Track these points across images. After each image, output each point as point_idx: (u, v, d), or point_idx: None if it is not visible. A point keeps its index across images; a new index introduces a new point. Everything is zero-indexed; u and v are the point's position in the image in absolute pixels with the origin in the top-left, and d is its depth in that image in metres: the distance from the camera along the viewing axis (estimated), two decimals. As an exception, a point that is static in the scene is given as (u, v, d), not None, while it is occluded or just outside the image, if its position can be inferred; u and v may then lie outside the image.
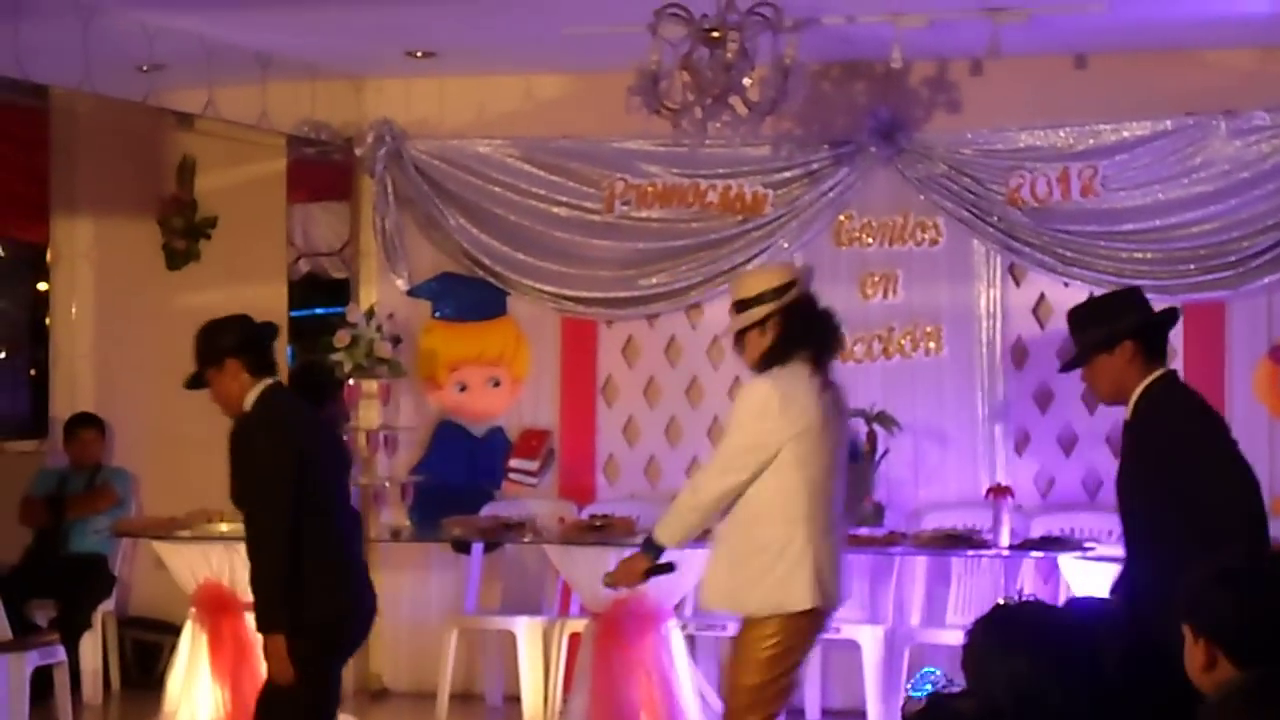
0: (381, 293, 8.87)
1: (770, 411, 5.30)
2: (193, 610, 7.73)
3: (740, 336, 5.46)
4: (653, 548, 5.53)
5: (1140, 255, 8.07)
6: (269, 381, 5.53)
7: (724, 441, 5.50)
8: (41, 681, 7.23)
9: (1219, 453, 4.67)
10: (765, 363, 5.41)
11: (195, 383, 5.65)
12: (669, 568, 5.61)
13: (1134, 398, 4.76)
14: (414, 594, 8.81)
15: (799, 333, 5.38)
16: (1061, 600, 7.06)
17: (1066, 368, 4.98)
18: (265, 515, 5.39)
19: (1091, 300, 5.07)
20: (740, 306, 5.48)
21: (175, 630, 7.94)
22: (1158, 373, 4.79)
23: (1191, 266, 8.02)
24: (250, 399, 5.50)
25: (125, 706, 8.55)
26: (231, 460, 5.53)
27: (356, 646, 5.80)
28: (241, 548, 7.62)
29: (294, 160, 9.01)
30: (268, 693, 5.49)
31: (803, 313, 5.42)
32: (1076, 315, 4.91)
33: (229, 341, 5.52)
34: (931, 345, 8.33)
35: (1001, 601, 3.03)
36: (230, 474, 5.53)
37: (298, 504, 5.36)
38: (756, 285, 5.46)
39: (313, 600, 5.37)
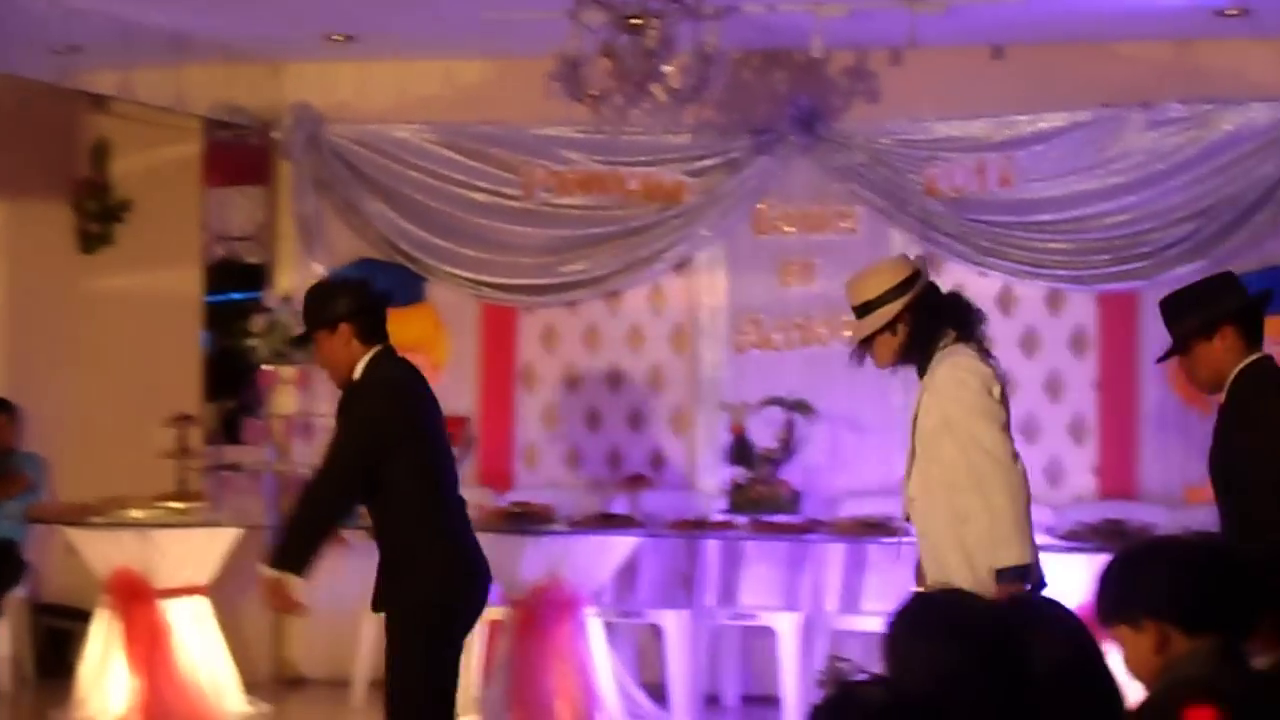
0: (299, 278, 8.79)
1: (973, 387, 4.98)
2: (106, 597, 7.67)
3: (865, 343, 5.12)
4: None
5: (1056, 245, 8.15)
6: (379, 348, 5.34)
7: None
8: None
9: None
10: (901, 361, 5.14)
11: (301, 341, 5.51)
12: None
13: (1229, 382, 4.70)
14: (331, 581, 8.69)
15: (933, 325, 5.03)
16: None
17: (1165, 357, 4.89)
18: (341, 473, 5.26)
19: (1185, 288, 4.94)
20: (862, 311, 5.11)
21: (89, 617, 7.86)
22: (1255, 356, 4.71)
23: (1106, 257, 8.10)
24: (361, 366, 5.30)
25: (39, 694, 8.45)
26: (337, 423, 5.37)
27: (470, 627, 5.49)
28: (155, 534, 7.63)
29: (210, 144, 8.92)
30: (393, 675, 5.29)
31: (931, 304, 5.07)
32: (1171, 304, 4.82)
33: (345, 305, 5.30)
34: (848, 334, 8.34)
35: (920, 588, 3.04)
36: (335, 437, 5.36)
37: (411, 477, 5.22)
38: (878, 285, 5.07)
39: (425, 578, 5.22)
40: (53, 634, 8.76)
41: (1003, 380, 5.13)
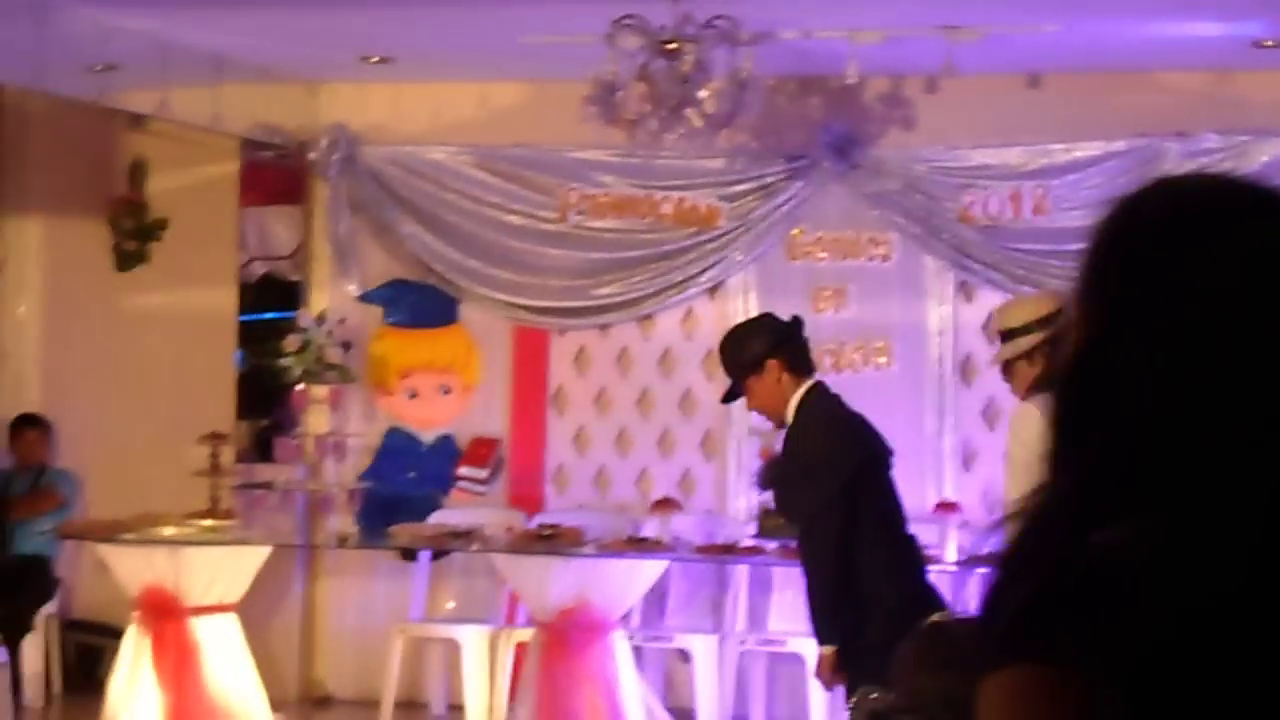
0: (333, 298, 8.83)
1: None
2: (136, 614, 7.69)
3: (1008, 366, 5.37)
4: None
5: (1090, 274, 8.11)
6: (811, 382, 5.25)
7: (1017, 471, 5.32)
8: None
9: None
10: (1036, 392, 5.31)
11: (732, 395, 5.32)
12: None
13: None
14: (360, 601, 8.78)
15: None
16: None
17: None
18: (820, 528, 5.08)
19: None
20: (1006, 336, 5.39)
21: (118, 634, 7.88)
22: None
23: (1140, 287, 8.06)
24: (795, 401, 5.19)
25: (67, 710, 8.48)
26: (782, 470, 5.25)
27: None
28: (186, 552, 7.66)
29: (247, 163, 8.97)
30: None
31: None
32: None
33: (764, 343, 5.20)
34: (881, 360, 8.36)
35: (933, 618, 3.02)
36: (777, 482, 5.26)
37: (856, 516, 5.05)
38: (1023, 315, 5.37)
39: (870, 627, 5.03)
40: (83, 650, 8.79)
41: None
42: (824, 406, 5.24)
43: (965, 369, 8.32)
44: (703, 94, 6.85)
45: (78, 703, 8.38)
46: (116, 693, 7.66)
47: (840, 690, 7.11)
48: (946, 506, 7.62)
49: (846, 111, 8.25)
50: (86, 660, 8.73)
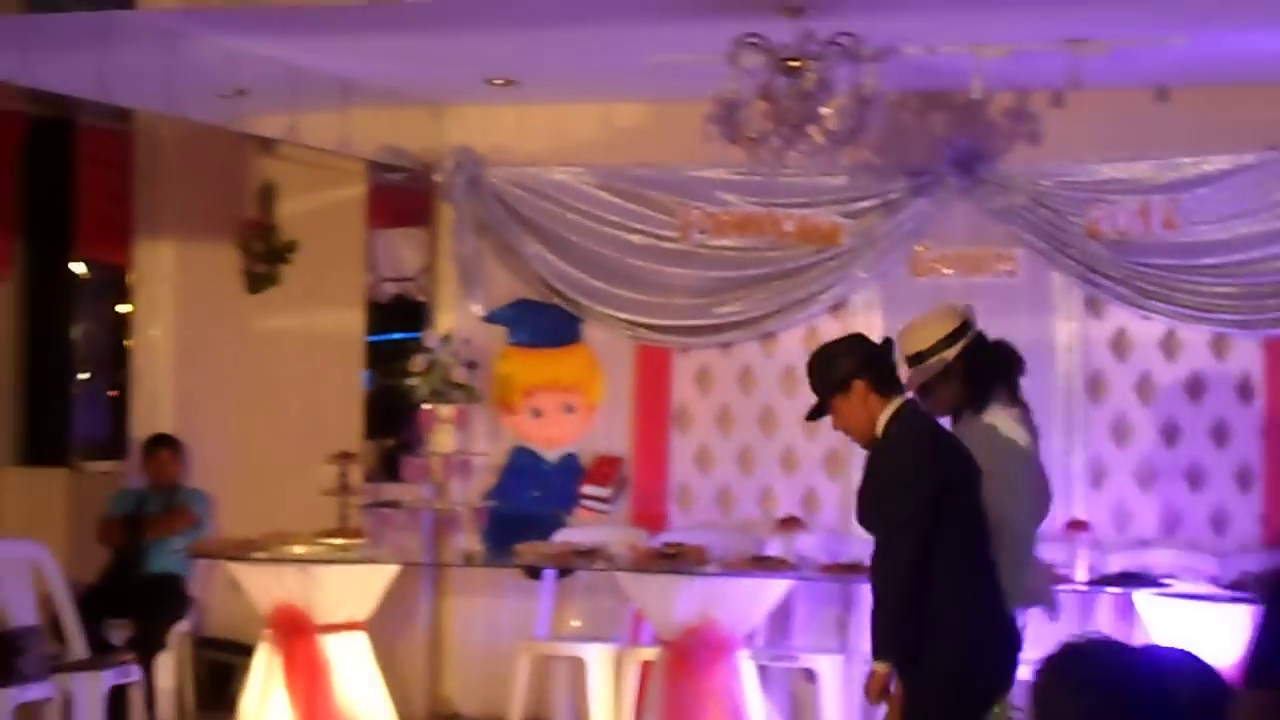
0: (458, 318, 8.91)
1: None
2: (267, 632, 7.79)
3: (924, 388, 5.47)
4: None
5: (1221, 290, 7.99)
6: (900, 400, 5.21)
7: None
8: (117, 701, 7.30)
9: None
10: (963, 409, 5.49)
11: (817, 413, 5.31)
12: None
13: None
14: (486, 619, 8.83)
15: (989, 372, 5.45)
16: (1136, 638, 6.98)
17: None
18: (898, 543, 5.02)
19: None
20: (914, 360, 5.46)
21: (250, 651, 7.99)
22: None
23: (1273, 301, 7.93)
24: (883, 420, 5.17)
25: (198, 726, 8.60)
26: (866, 483, 5.21)
27: (987, 701, 5.20)
28: (316, 570, 7.75)
29: (374, 186, 9.08)
30: None
31: (982, 352, 5.52)
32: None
33: (851, 363, 5.19)
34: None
35: (1070, 639, 2.99)
36: (861, 495, 5.24)
37: (933, 534, 5.01)
38: (928, 337, 5.50)
39: (941, 648, 5.01)
40: (215, 667, 8.92)
41: (1034, 432, 5.66)
42: (914, 423, 5.21)
43: (1094, 386, 8.21)
44: (825, 111, 6.83)
45: (211, 719, 8.50)
46: (248, 710, 7.77)
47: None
48: (1076, 525, 7.52)
49: (971, 126, 8.19)
50: (219, 677, 8.85)
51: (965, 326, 5.58)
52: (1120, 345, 8.24)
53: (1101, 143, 8.12)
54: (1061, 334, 8.21)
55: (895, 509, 5.06)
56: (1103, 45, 7.09)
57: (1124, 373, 8.22)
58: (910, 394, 5.29)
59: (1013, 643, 5.24)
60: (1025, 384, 8.16)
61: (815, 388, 5.27)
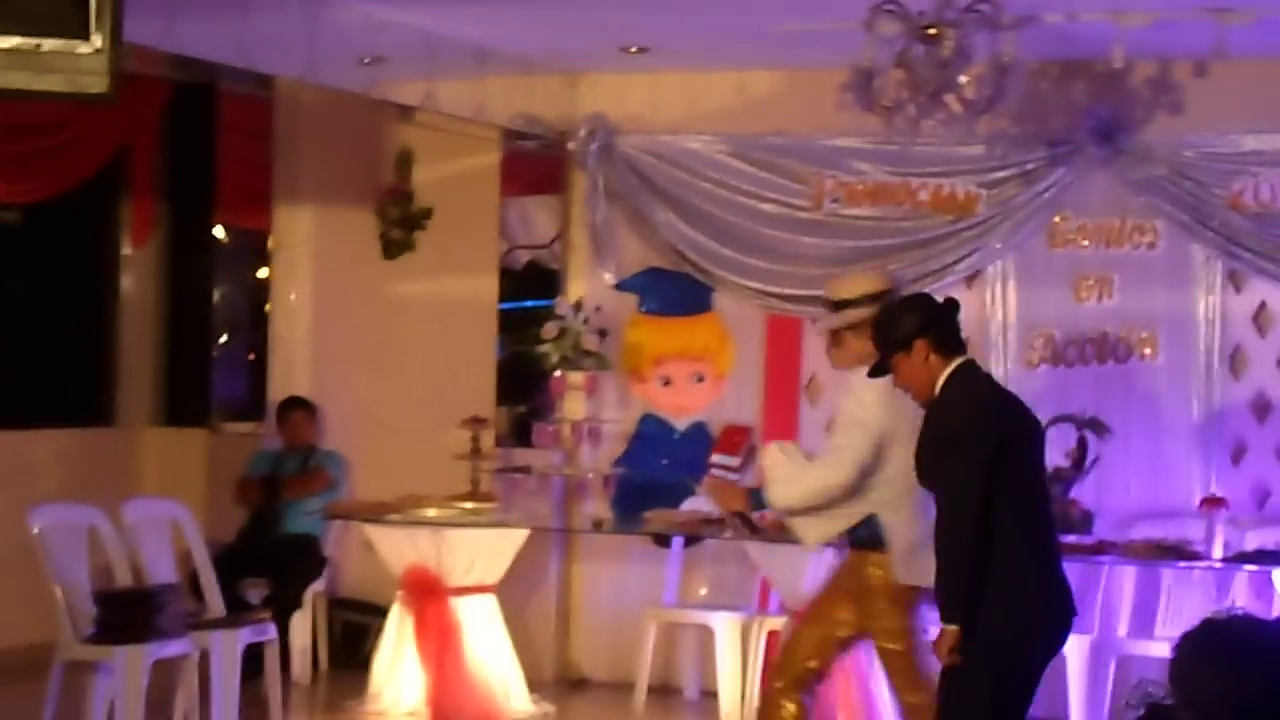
0: (589, 286, 8.94)
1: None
2: (399, 593, 7.90)
3: (836, 335, 5.83)
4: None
5: (1368, 263, 7.82)
6: (960, 360, 5.25)
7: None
8: (253, 658, 7.43)
9: None
10: (860, 368, 5.60)
11: (879, 370, 5.37)
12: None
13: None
14: (614, 585, 8.88)
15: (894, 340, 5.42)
16: (1275, 614, 6.87)
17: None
18: (958, 500, 5.04)
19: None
20: (838, 306, 5.78)
21: (383, 612, 8.10)
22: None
23: None
24: (942, 379, 5.21)
25: (333, 685, 8.73)
26: (925, 441, 5.24)
27: (1040, 663, 5.20)
28: (448, 533, 7.83)
29: (508, 153, 9.14)
30: (946, 687, 5.16)
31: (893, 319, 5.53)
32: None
33: (914, 322, 5.25)
34: (1147, 351, 8.16)
35: (1210, 615, 2.94)
36: (919, 451, 5.27)
37: (990, 494, 5.01)
38: (857, 289, 5.78)
39: (990, 605, 5.02)
40: (348, 627, 9.05)
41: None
42: (972, 382, 5.25)
43: (1234, 361, 8.07)
44: (963, 79, 6.76)
45: (343, 678, 8.63)
46: (381, 669, 7.88)
47: (1106, 686, 7.00)
48: (1213, 502, 7.40)
49: (1112, 96, 8.06)
50: (352, 637, 8.98)
51: (890, 294, 5.78)
52: (1261, 319, 8.08)
53: (1245, 114, 7.96)
54: (1201, 307, 8.07)
55: (954, 470, 5.07)
56: (1249, 15, 6.94)
57: (1265, 347, 8.06)
58: (967, 356, 5.32)
59: (1067, 604, 5.22)
60: (1165, 355, 8.10)
61: (878, 345, 5.36)
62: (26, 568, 7.09)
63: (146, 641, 6.79)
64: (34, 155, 8.73)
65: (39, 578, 6.89)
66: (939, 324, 5.27)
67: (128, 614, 6.78)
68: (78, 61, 4.63)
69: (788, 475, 5.88)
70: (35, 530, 6.87)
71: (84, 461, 9.04)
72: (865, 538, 5.85)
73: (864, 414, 5.71)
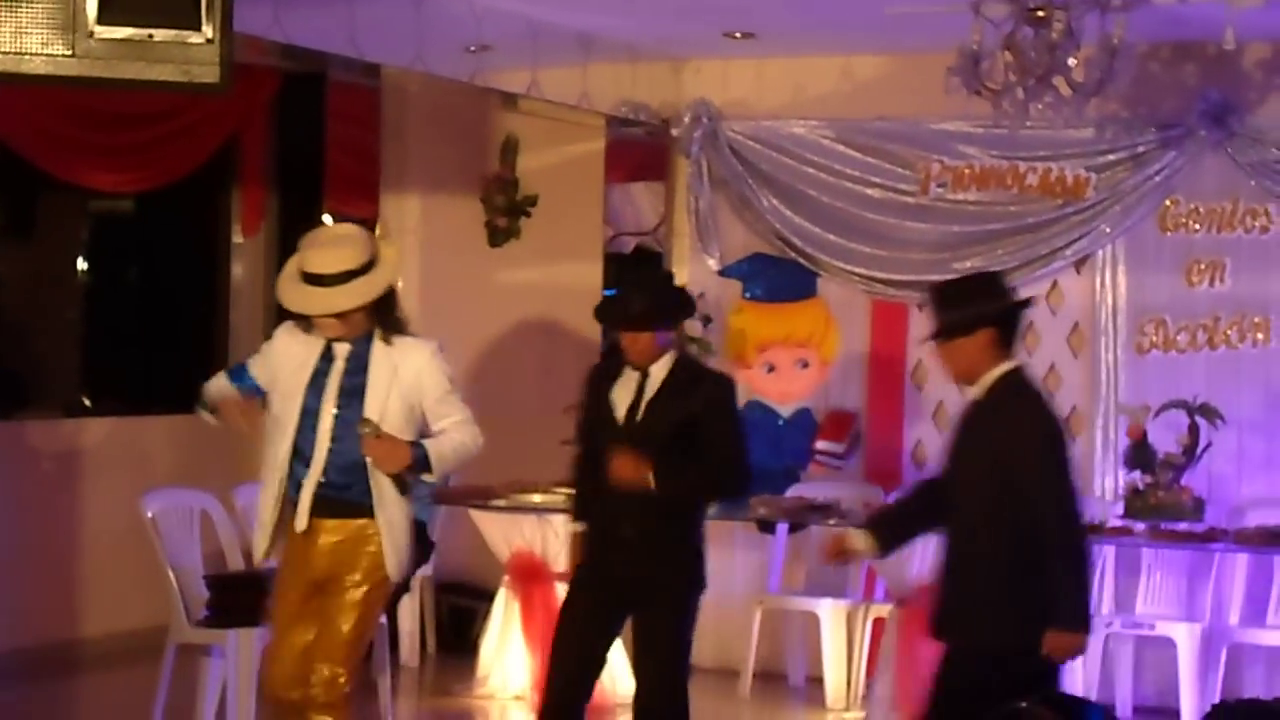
0: (693, 272, 8.94)
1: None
2: (506, 578, 7.94)
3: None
4: None
5: None
6: (1016, 362, 5.11)
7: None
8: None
9: None
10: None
11: (945, 335, 5.10)
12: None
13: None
14: (719, 571, 8.74)
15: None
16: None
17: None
18: (1069, 504, 4.97)
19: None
20: (323, 280, 5.36)
21: (489, 596, 8.16)
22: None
23: None
24: (994, 375, 5.04)
25: (441, 669, 8.81)
26: (997, 438, 5.04)
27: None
28: (553, 519, 7.87)
29: (612, 140, 9.15)
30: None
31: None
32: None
33: (990, 309, 5.05)
34: (1259, 336, 8.04)
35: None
36: (959, 455, 5.15)
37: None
38: (340, 262, 5.36)
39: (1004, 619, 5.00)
40: (456, 611, 9.12)
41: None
42: (1037, 388, 5.16)
43: (1350, 347, 7.93)
44: (1072, 62, 6.68)
45: (450, 662, 8.70)
46: (488, 653, 7.94)
47: (1217, 674, 6.91)
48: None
49: (1223, 78, 7.95)
50: (459, 621, 9.05)
51: (372, 263, 5.44)
52: (1379, 305, 7.94)
53: (1362, 95, 7.82)
54: (1315, 292, 7.94)
55: (1058, 470, 4.96)
56: (1367, -8, 6.81)
57: (1383, 333, 7.92)
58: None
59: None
60: (1277, 342, 7.97)
61: (940, 314, 5.10)
62: (140, 552, 7.21)
63: (258, 625, 6.86)
64: (146, 145, 8.85)
65: (152, 562, 7.00)
66: (1011, 319, 5.11)
67: (240, 597, 6.87)
68: (189, 52, 4.69)
69: None
70: (149, 515, 6.98)
71: (196, 447, 9.15)
72: None
73: None
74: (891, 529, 5.40)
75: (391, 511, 5.42)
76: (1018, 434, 5.01)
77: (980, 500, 5.02)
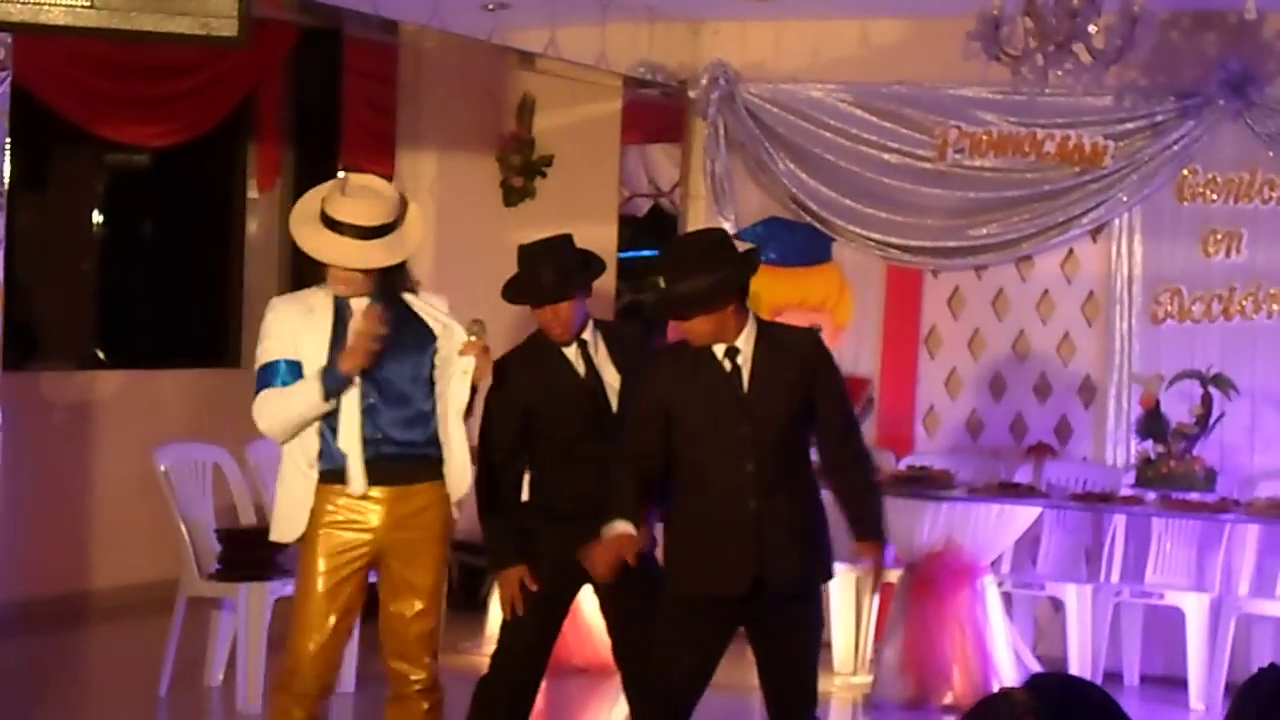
0: (709, 235, 8.91)
1: None
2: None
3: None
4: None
5: None
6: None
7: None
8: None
9: None
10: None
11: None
12: None
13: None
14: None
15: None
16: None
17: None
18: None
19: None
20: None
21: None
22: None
23: None
24: (752, 331, 4.98)
25: (450, 626, 8.73)
26: (817, 379, 5.19)
27: None
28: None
29: (629, 101, 9.13)
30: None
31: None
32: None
33: (739, 276, 4.92)
34: (1275, 307, 8.02)
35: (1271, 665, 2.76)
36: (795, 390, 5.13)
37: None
38: (374, 216, 5.02)
39: None
40: (466, 570, 9.14)
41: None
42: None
43: (1366, 319, 7.91)
44: (1092, 29, 6.66)
45: (460, 620, 8.69)
46: (497, 611, 7.95)
47: (1225, 644, 6.90)
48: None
49: (1244, 47, 7.91)
50: (470, 579, 9.07)
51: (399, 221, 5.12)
52: (1396, 277, 7.91)
53: (1385, 65, 7.78)
54: (1333, 264, 7.92)
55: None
56: (1391, -38, 6.78)
57: (1399, 306, 7.90)
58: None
59: None
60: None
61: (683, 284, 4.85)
62: (152, 505, 7.23)
63: (269, 579, 6.90)
64: (167, 99, 8.84)
65: (165, 515, 7.03)
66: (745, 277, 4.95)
67: (251, 552, 6.90)
68: (207, 5, 4.68)
69: None
70: (161, 469, 7.01)
71: (209, 401, 9.18)
72: None
73: None
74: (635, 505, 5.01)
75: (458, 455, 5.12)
76: (827, 370, 5.24)
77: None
